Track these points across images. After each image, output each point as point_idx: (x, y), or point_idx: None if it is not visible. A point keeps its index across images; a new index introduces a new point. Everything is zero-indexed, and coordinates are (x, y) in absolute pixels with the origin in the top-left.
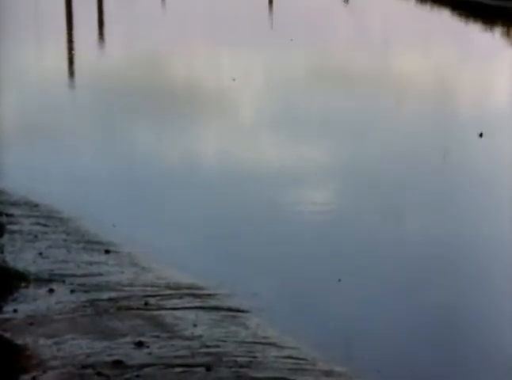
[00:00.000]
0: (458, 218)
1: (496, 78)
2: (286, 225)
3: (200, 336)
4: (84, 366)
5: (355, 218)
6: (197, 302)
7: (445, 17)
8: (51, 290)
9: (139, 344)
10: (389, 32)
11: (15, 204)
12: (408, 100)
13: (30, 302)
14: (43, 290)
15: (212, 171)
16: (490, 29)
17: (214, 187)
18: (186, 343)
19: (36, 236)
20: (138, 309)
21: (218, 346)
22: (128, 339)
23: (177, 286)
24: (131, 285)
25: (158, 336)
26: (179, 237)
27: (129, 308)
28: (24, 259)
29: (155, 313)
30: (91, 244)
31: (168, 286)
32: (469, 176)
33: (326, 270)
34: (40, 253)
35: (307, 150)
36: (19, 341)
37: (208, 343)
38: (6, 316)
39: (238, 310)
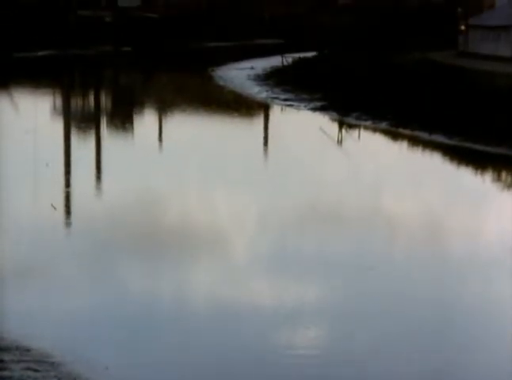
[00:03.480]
0: None
1: (488, 223)
2: (281, 369)
3: None
4: None
5: (351, 363)
6: None
7: (436, 160)
8: None
9: None
10: (381, 174)
11: (6, 349)
12: (398, 245)
13: None
14: None
15: (205, 313)
16: (481, 174)
17: (207, 329)
18: None
19: None
20: None
21: None
22: None
23: None
24: None
25: None
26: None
27: None
28: None
29: None
30: None
31: None
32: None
33: None
34: None
35: (300, 293)
36: None
37: None
38: None
39: None
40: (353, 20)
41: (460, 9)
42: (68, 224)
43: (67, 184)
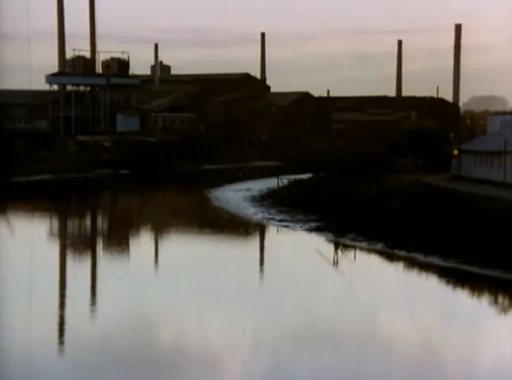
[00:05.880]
0: None
1: (485, 347)
2: None
3: None
4: None
5: None
6: None
7: (432, 283)
8: None
9: None
10: (377, 298)
11: None
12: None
13: None
14: None
15: None
16: (478, 298)
17: None
18: None
19: None
20: None
21: None
22: None
23: None
24: None
25: None
26: None
27: None
28: None
29: None
30: None
31: None
32: None
33: None
34: None
35: None
36: None
37: None
38: None
39: None
40: (348, 145)
41: (452, 134)
42: (62, 354)
43: (62, 306)
